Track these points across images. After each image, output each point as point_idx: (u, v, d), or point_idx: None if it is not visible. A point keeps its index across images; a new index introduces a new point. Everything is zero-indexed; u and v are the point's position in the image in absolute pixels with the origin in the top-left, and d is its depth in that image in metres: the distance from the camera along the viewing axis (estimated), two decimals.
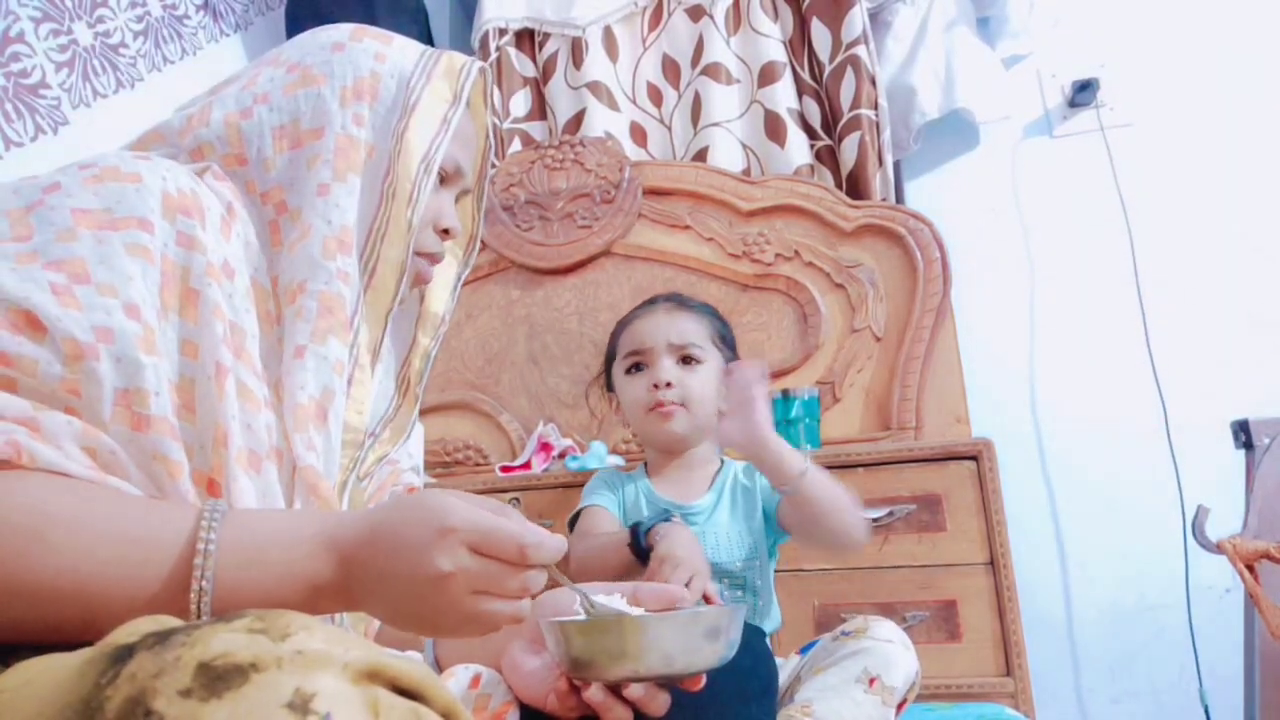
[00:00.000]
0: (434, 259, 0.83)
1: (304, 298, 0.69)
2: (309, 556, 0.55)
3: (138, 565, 0.52)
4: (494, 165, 2.02)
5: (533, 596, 0.58)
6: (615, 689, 0.63)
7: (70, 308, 0.56)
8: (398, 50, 0.79)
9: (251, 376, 0.65)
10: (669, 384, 1.20)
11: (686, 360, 1.22)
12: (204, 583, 0.52)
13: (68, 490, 0.52)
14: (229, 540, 0.53)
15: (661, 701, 0.63)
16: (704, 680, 0.64)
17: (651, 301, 1.32)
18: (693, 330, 1.24)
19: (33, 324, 0.55)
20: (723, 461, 1.28)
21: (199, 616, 0.51)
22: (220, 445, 0.61)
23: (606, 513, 1.22)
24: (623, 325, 1.30)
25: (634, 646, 0.58)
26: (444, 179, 0.82)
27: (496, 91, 2.12)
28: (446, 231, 0.82)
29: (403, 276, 0.76)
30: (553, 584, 0.62)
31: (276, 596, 0.54)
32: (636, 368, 1.25)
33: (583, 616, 0.63)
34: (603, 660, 0.59)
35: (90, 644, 0.41)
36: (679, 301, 1.30)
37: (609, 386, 1.33)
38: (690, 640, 0.60)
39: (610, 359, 1.32)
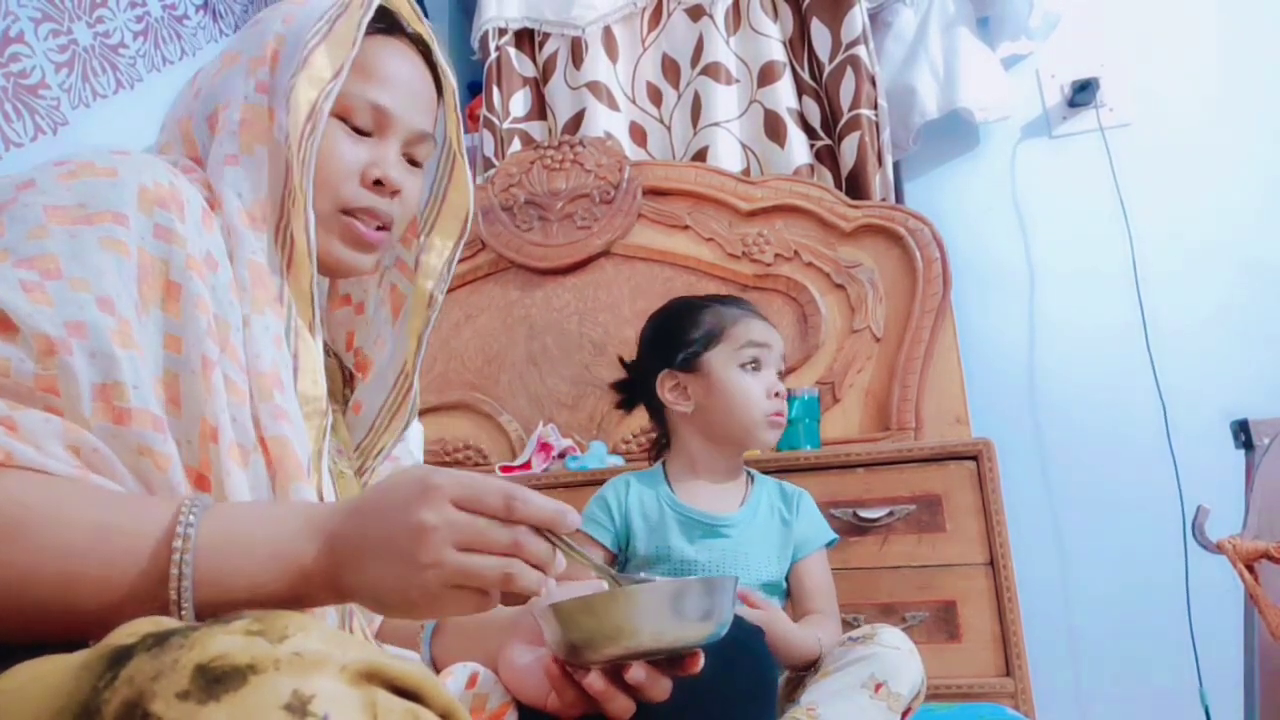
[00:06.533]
0: (373, 215, 0.75)
1: (238, 268, 0.67)
2: (294, 538, 0.54)
3: (116, 557, 0.51)
4: (494, 165, 2.05)
5: (557, 579, 0.56)
6: (614, 675, 0.61)
7: (41, 304, 0.55)
8: (307, 9, 0.74)
9: (236, 370, 0.64)
10: (782, 396, 1.19)
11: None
12: (184, 568, 0.51)
13: (45, 486, 0.52)
14: (210, 528, 0.52)
15: (663, 686, 0.62)
16: (701, 661, 0.62)
17: (736, 301, 1.25)
18: None
19: (2, 323, 0.55)
20: (751, 476, 1.24)
21: (180, 606, 0.51)
22: (209, 440, 0.60)
23: (596, 544, 1.17)
24: (730, 315, 1.20)
25: (628, 620, 0.57)
26: (367, 128, 0.75)
27: (496, 91, 2.12)
28: (380, 184, 0.74)
29: (310, 240, 0.70)
30: (566, 576, 0.60)
31: (262, 583, 0.53)
32: (755, 364, 1.18)
33: (576, 597, 0.61)
34: (598, 640, 0.58)
35: (75, 640, 0.40)
36: None
37: (687, 365, 1.19)
38: (682, 610, 0.59)
39: (705, 340, 1.19)
